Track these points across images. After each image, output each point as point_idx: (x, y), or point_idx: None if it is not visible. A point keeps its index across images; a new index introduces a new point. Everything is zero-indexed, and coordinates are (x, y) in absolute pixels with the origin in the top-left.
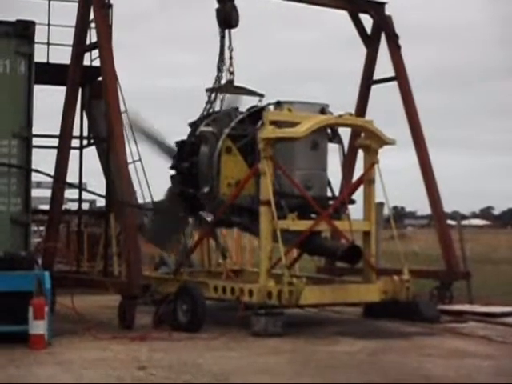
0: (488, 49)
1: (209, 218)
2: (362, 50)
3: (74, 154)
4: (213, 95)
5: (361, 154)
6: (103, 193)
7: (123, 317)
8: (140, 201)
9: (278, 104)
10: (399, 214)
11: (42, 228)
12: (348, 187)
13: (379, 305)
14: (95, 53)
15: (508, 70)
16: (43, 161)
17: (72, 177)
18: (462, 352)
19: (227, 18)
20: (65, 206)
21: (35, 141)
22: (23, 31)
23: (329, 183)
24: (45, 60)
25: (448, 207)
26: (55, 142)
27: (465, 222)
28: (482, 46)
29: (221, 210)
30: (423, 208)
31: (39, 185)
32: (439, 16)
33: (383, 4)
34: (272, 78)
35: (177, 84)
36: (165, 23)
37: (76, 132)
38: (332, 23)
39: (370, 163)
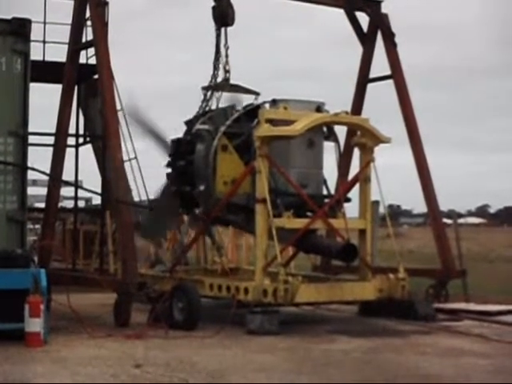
0: (486, 47)
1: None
2: (357, 49)
3: (69, 152)
4: (208, 93)
5: (357, 152)
6: (99, 191)
7: (119, 315)
8: (136, 199)
9: (274, 102)
10: (395, 213)
11: (37, 226)
12: (344, 185)
13: (375, 303)
14: (91, 51)
15: (504, 69)
16: (39, 159)
17: (68, 175)
18: (458, 350)
19: (223, 15)
20: (60, 204)
21: (31, 139)
22: (19, 29)
23: (324, 181)
24: (41, 58)
25: (444, 205)
26: (51, 139)
27: (461, 221)
28: (481, 44)
29: (217, 208)
30: (419, 206)
31: (35, 183)
32: (435, 14)
33: (379, 2)
34: (266, 76)
35: (170, 82)
36: (157, 21)
37: (72, 130)
38: (327, 21)
39: (366, 161)
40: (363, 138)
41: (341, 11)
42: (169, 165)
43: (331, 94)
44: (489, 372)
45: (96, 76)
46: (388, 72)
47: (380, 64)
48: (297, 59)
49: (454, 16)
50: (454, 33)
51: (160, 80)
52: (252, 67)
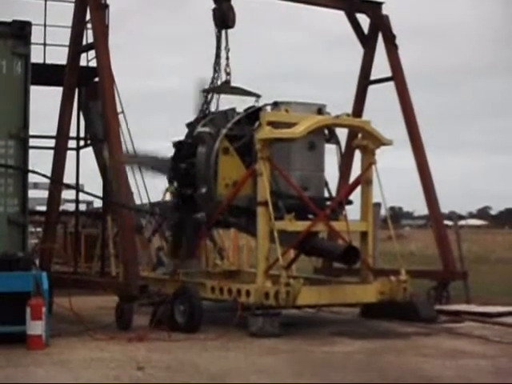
0: (482, 48)
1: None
2: (354, 50)
3: (70, 155)
4: (209, 96)
5: (358, 154)
6: (100, 194)
7: (121, 317)
8: (137, 202)
9: (275, 104)
10: (396, 215)
11: (39, 229)
12: (345, 188)
13: (376, 305)
14: (92, 53)
15: (503, 69)
16: (40, 162)
17: (69, 178)
18: (459, 352)
19: (224, 18)
20: (62, 207)
21: (32, 141)
22: (19, 32)
23: (326, 184)
24: (41, 61)
25: (445, 207)
26: (52, 142)
27: (462, 222)
28: (476, 45)
29: (218, 211)
30: (420, 208)
31: (36, 186)
32: (430, 15)
33: (380, 4)
34: (264, 79)
35: (161, 85)
36: (149, 24)
37: (73, 133)
38: (323, 23)
39: (368, 164)
40: (364, 141)
41: (336, 12)
42: (170, 168)
43: (329, 95)
44: (490, 373)
45: (97, 79)
46: (389, 74)
47: (381, 65)
48: (292, 61)
49: (448, 16)
50: (451, 33)
51: (156, 82)
52: (248, 69)
